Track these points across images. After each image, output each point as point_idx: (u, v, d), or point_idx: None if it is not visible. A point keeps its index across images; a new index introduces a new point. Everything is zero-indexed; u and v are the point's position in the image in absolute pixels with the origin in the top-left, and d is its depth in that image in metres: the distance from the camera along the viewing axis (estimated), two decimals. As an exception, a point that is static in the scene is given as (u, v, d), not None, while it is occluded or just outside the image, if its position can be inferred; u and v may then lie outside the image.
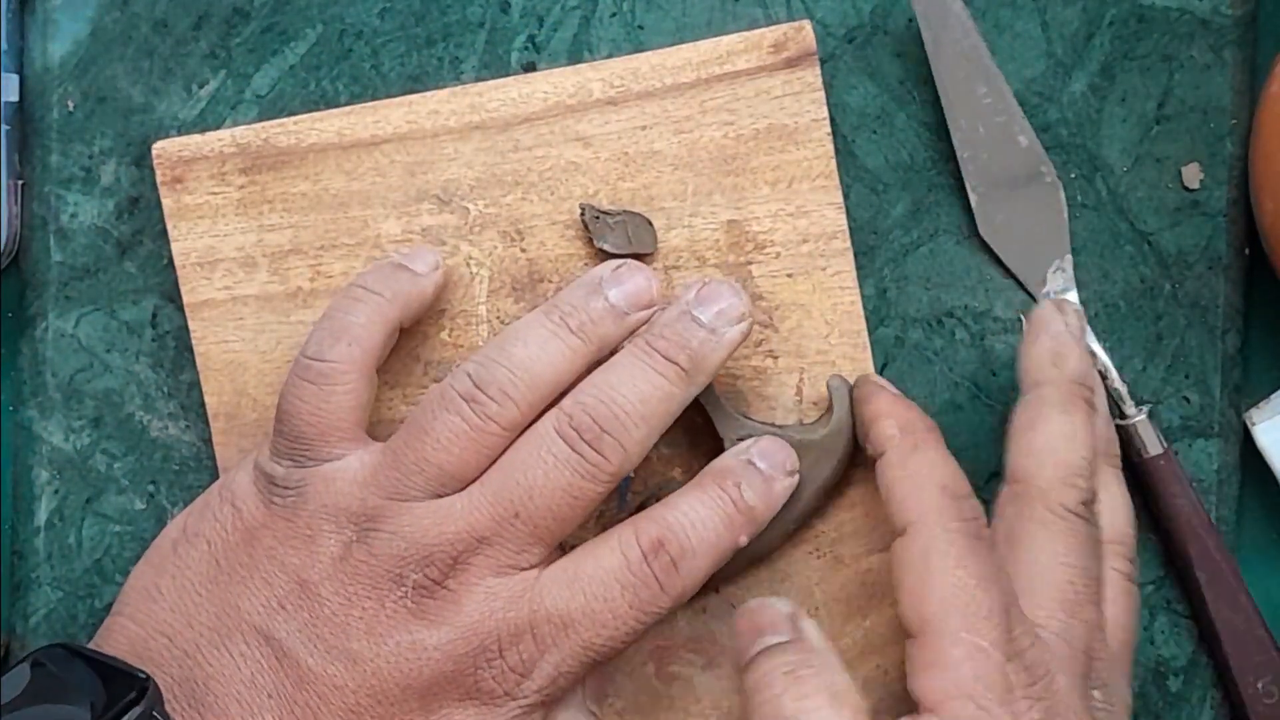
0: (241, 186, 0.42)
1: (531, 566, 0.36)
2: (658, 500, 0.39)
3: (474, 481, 0.37)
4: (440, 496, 0.36)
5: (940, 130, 0.44)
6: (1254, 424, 0.42)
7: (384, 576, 0.36)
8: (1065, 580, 0.36)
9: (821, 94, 0.42)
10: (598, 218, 0.41)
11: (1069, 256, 0.43)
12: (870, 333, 0.42)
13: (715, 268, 0.42)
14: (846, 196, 0.43)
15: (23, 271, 0.45)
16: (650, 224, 0.41)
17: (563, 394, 0.37)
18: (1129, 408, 0.42)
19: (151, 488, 0.44)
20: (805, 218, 0.42)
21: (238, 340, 0.42)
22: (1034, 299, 0.43)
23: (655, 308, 0.38)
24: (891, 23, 0.44)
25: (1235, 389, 0.44)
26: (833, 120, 0.43)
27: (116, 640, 0.37)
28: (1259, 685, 0.41)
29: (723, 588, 0.41)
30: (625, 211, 0.41)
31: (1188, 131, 0.43)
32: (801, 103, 0.42)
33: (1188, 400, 0.43)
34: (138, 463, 0.44)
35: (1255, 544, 0.44)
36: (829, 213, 0.42)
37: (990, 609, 0.34)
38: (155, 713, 0.33)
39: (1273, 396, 0.43)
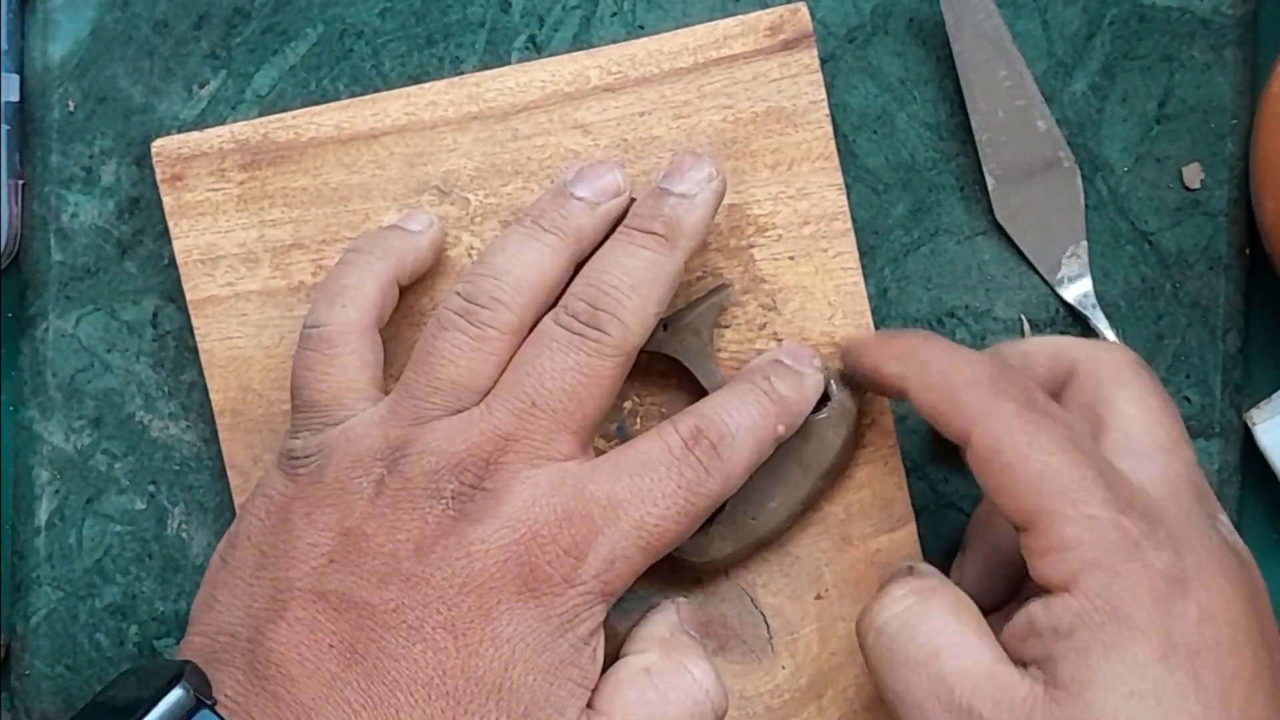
0: (241, 182, 0.42)
1: (565, 458, 0.36)
2: None
3: (489, 393, 0.37)
4: (459, 412, 0.37)
5: (941, 129, 0.44)
6: (1254, 424, 0.42)
7: (421, 495, 0.36)
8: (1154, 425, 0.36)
9: (819, 75, 0.41)
10: None
11: (1084, 243, 0.43)
12: (871, 332, 0.42)
13: (717, 252, 0.41)
14: (847, 196, 0.43)
15: (23, 271, 0.45)
16: None
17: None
18: None
19: (152, 488, 0.44)
20: (806, 200, 0.42)
21: (241, 336, 0.42)
22: (1050, 287, 0.43)
23: (626, 194, 0.39)
24: (892, 23, 0.44)
25: (1235, 389, 0.44)
26: (833, 120, 0.43)
27: (187, 657, 0.37)
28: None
29: (732, 571, 0.41)
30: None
31: (1188, 131, 0.44)
32: (799, 85, 0.42)
33: (1188, 400, 0.43)
34: (138, 463, 0.44)
35: (1255, 544, 0.44)
36: (830, 194, 0.42)
37: (1084, 473, 0.34)
38: (201, 697, 0.33)
39: (1273, 396, 0.43)
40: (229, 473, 0.43)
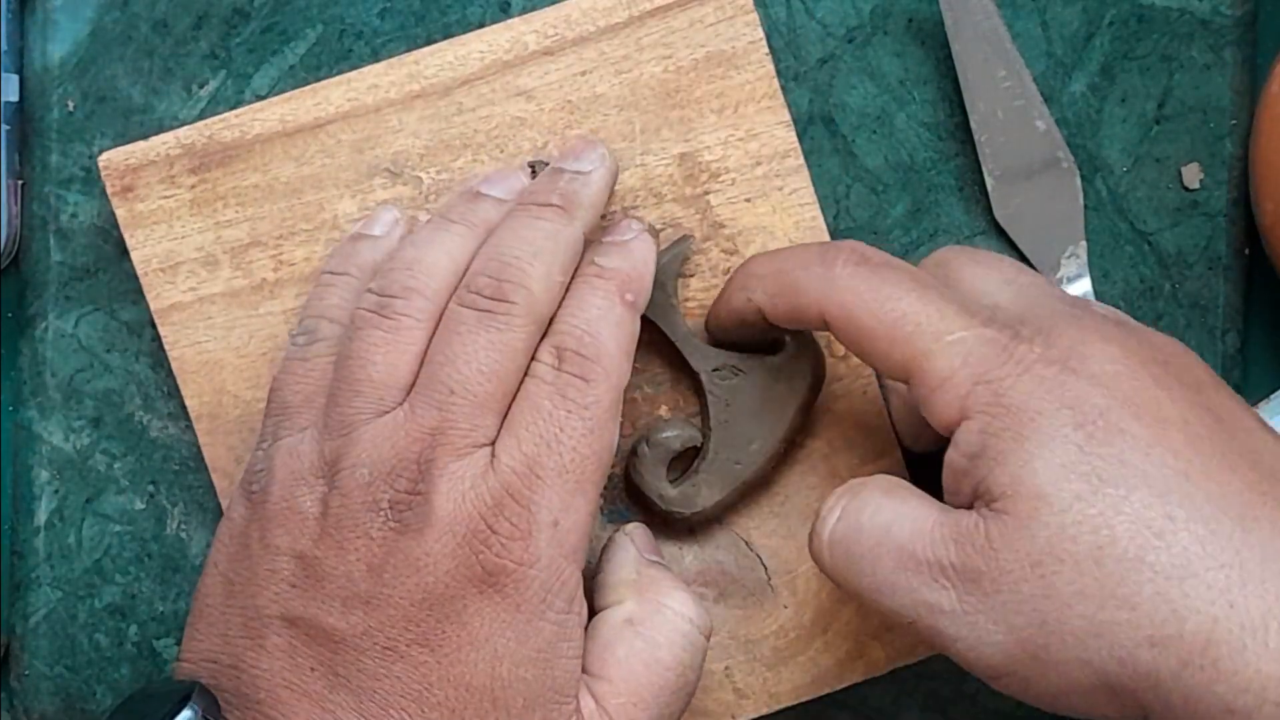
0: (192, 186, 0.42)
1: (491, 441, 0.36)
2: (648, 442, 0.41)
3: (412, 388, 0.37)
4: (385, 413, 0.36)
5: (940, 129, 0.44)
6: (1254, 424, 0.42)
7: (362, 510, 0.35)
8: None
9: (755, 15, 0.41)
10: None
11: (1083, 243, 0.43)
12: (870, 332, 0.42)
13: (673, 203, 0.41)
14: (846, 196, 0.43)
15: (23, 271, 0.45)
16: None
17: None
18: None
19: (151, 488, 0.44)
20: (755, 140, 0.42)
21: (210, 340, 0.42)
22: None
23: None
24: (891, 23, 0.44)
25: (1235, 389, 0.43)
26: (833, 120, 0.43)
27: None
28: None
29: (724, 518, 0.42)
30: None
31: (1188, 131, 0.44)
32: (736, 26, 0.42)
33: (1187, 400, 0.43)
34: (138, 463, 0.44)
35: (1255, 544, 0.44)
36: (778, 132, 0.42)
37: (935, 304, 0.34)
38: (209, 716, 0.33)
39: (1272, 396, 0.43)
40: (213, 476, 0.43)
